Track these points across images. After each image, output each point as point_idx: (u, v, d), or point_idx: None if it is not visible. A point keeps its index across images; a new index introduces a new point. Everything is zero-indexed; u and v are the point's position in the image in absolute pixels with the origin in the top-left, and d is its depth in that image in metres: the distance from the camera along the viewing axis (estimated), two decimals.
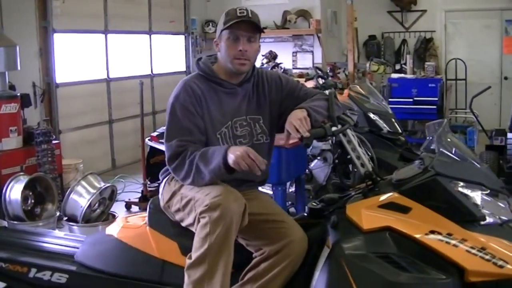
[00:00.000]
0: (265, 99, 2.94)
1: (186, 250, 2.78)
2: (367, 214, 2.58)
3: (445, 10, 11.56)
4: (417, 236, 2.42)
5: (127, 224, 3.05)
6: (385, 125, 5.72)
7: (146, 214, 3.06)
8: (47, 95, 7.54)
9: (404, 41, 11.93)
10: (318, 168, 5.85)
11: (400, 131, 5.83)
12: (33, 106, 7.05)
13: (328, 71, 9.26)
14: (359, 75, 10.28)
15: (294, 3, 10.83)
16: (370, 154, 3.08)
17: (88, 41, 8.45)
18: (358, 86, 6.15)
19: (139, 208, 6.65)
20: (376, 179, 2.80)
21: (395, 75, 10.43)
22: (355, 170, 5.67)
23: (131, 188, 7.51)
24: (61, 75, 7.82)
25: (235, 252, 2.61)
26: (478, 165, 2.78)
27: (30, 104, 6.79)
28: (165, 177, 2.97)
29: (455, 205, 2.49)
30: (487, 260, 2.29)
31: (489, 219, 2.50)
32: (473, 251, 2.33)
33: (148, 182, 6.81)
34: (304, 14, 10.77)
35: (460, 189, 2.57)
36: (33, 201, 5.54)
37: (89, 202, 5.29)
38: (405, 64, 11.53)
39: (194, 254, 2.56)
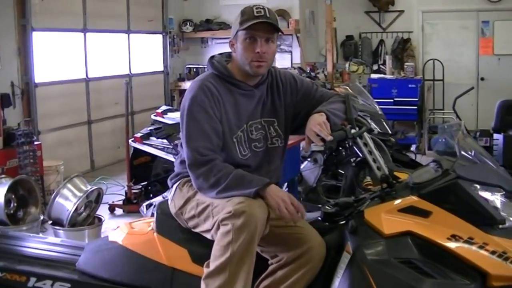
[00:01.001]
0: (280, 102, 2.84)
1: (196, 257, 2.69)
2: (387, 219, 2.52)
3: (422, 10, 11.61)
4: (439, 240, 2.37)
5: (133, 231, 2.91)
6: (375, 126, 5.68)
7: (152, 219, 2.94)
8: (25, 95, 7.33)
9: (381, 42, 11.95)
10: (308, 170, 5.79)
11: (390, 132, 5.81)
12: (12, 106, 6.84)
13: (308, 71, 9.22)
14: (336, 75, 10.29)
15: (273, 2, 10.65)
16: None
17: (67, 40, 8.27)
18: (347, 87, 6.11)
19: (123, 211, 6.53)
20: (392, 182, 2.73)
21: (374, 76, 10.46)
22: (346, 173, 5.65)
23: (113, 190, 7.35)
24: (40, 75, 7.62)
25: None
26: (496, 168, 2.74)
27: (10, 104, 6.60)
28: (175, 183, 2.84)
29: (476, 208, 2.45)
30: (510, 263, 2.25)
31: (508, 222, 2.45)
32: (495, 255, 2.29)
33: (132, 184, 6.65)
34: (282, 14, 10.69)
35: (480, 192, 2.53)
36: (15, 204, 5.36)
37: (75, 206, 5.13)
38: (382, 64, 11.58)
39: (214, 262, 2.46)
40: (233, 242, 2.39)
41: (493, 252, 2.29)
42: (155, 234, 2.83)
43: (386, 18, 11.90)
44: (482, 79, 11.43)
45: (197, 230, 2.69)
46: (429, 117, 10.03)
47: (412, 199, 2.54)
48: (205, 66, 9.57)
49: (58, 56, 8.10)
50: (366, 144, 2.81)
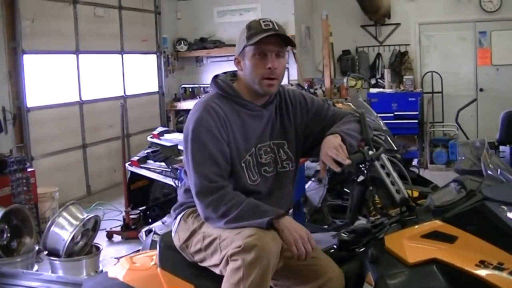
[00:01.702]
0: (290, 122, 2.65)
1: None
2: (410, 246, 2.35)
3: (418, 23, 11.49)
4: (467, 268, 2.19)
5: (134, 266, 2.71)
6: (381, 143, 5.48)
7: (154, 252, 2.74)
8: (17, 119, 7.14)
9: (378, 55, 11.81)
10: (313, 190, 5.58)
11: (395, 148, 5.61)
12: (4, 132, 6.64)
13: (306, 87, 9.07)
14: (334, 90, 10.14)
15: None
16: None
17: (59, 62, 8.12)
18: (351, 104, 5.93)
19: (122, 238, 6.32)
20: (413, 206, 2.55)
21: (374, 90, 10.32)
22: (353, 192, 5.45)
23: (110, 216, 7.15)
24: (32, 99, 7.44)
25: None
26: None
27: (2, 130, 6.40)
28: (179, 214, 2.63)
29: (505, 231, 2.27)
30: None
31: None
32: None
33: (130, 210, 6.44)
34: None
35: (509, 214, 2.34)
36: (9, 235, 5.14)
37: (72, 235, 4.91)
38: (380, 78, 11.44)
39: None
40: (244, 279, 2.19)
41: None
42: (158, 269, 2.63)
43: (383, 32, 11.77)
44: (481, 90, 11.29)
45: (204, 264, 2.49)
46: (429, 130, 9.88)
47: (436, 224, 2.37)
48: (201, 86, 9.42)
49: (51, 79, 7.94)
50: (383, 166, 2.63)
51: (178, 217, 2.62)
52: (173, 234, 2.65)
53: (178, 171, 5.43)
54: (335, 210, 5.86)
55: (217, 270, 2.38)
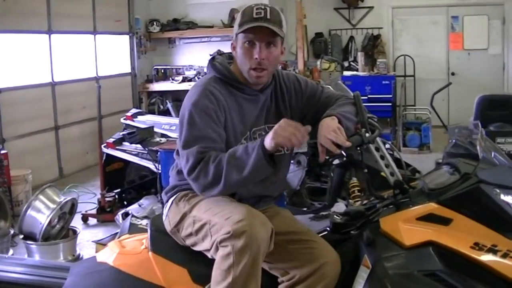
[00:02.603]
0: (285, 107, 2.61)
1: (198, 277, 2.46)
2: (406, 228, 2.35)
3: (392, 6, 11.56)
4: (462, 250, 2.21)
5: (124, 250, 2.64)
6: None
7: (144, 236, 2.69)
8: None
9: (351, 38, 11.86)
10: (292, 172, 5.56)
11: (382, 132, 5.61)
12: None
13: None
14: (307, 73, 10.12)
15: (242, 0, 10.53)
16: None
17: (31, 42, 7.92)
18: (330, 86, 5.90)
19: (98, 221, 6.23)
20: (406, 188, 2.55)
21: (347, 73, 10.33)
22: (332, 174, 5.46)
23: (84, 199, 7.02)
24: (3, 80, 7.26)
25: None
26: None
27: None
28: (171, 197, 2.57)
29: (499, 214, 2.30)
30: None
31: None
32: None
33: (105, 192, 6.35)
34: None
35: (502, 196, 2.36)
36: None
37: (49, 218, 4.81)
38: (353, 61, 11.47)
39: (215, 287, 2.23)
40: (235, 265, 2.16)
41: None
42: (150, 253, 2.56)
43: (356, 15, 11.81)
44: (453, 74, 11.44)
45: (196, 248, 2.45)
46: (402, 114, 9.94)
47: (432, 206, 2.37)
48: (173, 67, 9.30)
49: (22, 60, 7.75)
50: (378, 149, 2.62)
51: (170, 200, 2.56)
52: (163, 218, 2.60)
53: (159, 153, 5.37)
54: (313, 192, 5.87)
55: (209, 255, 2.35)
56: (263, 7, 2.41)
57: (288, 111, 2.61)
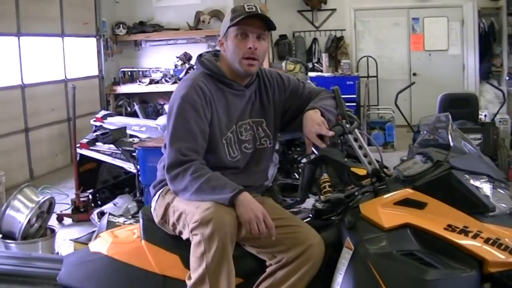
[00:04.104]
0: (268, 101, 2.78)
1: (189, 262, 2.57)
2: (385, 212, 2.51)
3: (354, 8, 11.80)
4: (437, 231, 2.38)
5: (118, 239, 2.77)
6: None
7: (135, 226, 2.81)
8: None
9: (315, 40, 12.07)
10: None
11: None
12: None
13: None
14: None
15: (207, 3, 10.68)
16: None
17: (0, 45, 7.92)
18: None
19: (73, 220, 6.28)
20: (383, 176, 2.72)
21: (312, 74, 10.51)
22: (303, 171, 5.63)
23: (57, 200, 6.98)
24: None
25: (244, 261, 2.50)
26: (484, 157, 2.77)
27: None
28: (158, 190, 2.72)
29: (470, 197, 2.47)
30: (503, 249, 2.30)
31: (498, 210, 2.49)
32: (490, 242, 2.33)
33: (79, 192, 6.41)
34: (217, 14, 10.62)
35: (472, 181, 2.55)
36: None
37: (28, 218, 4.87)
38: (317, 62, 11.67)
39: (193, 274, 2.40)
40: (206, 252, 2.33)
41: (487, 240, 2.33)
42: (142, 241, 2.70)
43: (319, 17, 12.02)
44: (414, 74, 11.73)
45: (183, 237, 2.59)
46: (366, 113, 10.19)
47: (407, 192, 2.53)
48: (140, 69, 9.39)
49: None
50: (356, 139, 2.78)
51: (157, 194, 2.71)
52: (152, 211, 2.73)
53: (137, 151, 5.46)
54: (285, 189, 6.04)
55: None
56: (253, 5, 2.62)
57: (271, 106, 2.78)
